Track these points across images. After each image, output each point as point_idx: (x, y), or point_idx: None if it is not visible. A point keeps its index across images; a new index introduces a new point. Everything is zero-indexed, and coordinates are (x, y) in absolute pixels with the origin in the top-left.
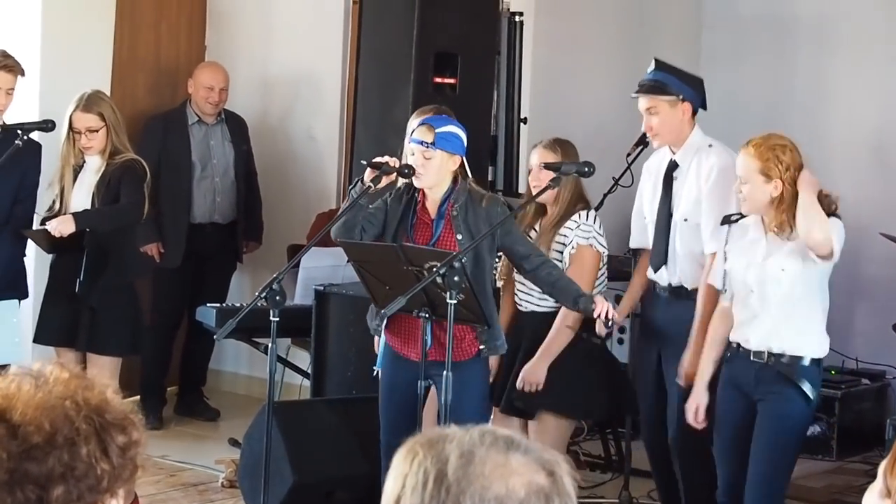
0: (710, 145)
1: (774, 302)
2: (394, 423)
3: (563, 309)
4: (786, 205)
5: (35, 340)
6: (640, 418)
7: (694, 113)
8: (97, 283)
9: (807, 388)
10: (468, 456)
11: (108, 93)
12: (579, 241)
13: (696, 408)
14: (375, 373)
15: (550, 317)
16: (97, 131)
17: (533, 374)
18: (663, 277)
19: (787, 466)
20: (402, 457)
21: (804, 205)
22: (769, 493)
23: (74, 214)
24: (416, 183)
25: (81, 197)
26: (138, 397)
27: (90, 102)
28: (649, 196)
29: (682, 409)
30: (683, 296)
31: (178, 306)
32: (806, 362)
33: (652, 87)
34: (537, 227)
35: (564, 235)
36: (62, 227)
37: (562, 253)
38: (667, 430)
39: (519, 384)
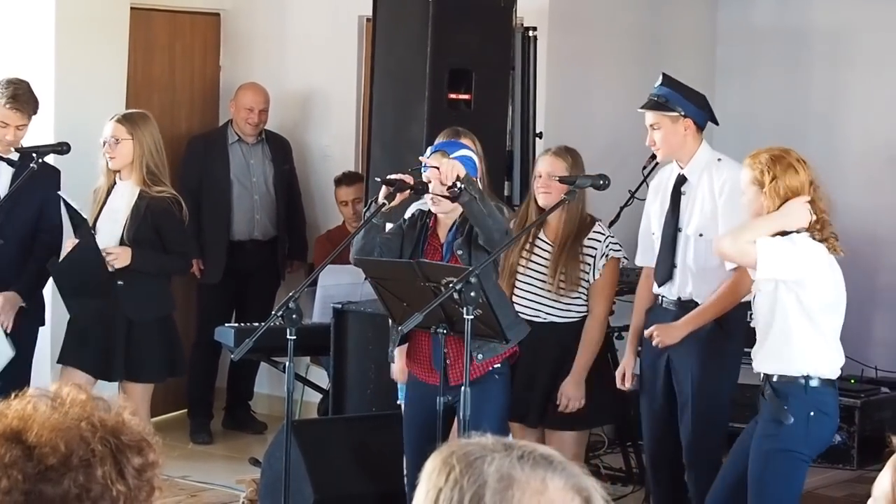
0: (719, 160)
1: (758, 320)
2: (420, 447)
3: (587, 323)
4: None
5: (60, 361)
6: (644, 430)
7: (701, 128)
8: (130, 319)
9: (782, 407)
10: (507, 480)
11: None
12: (613, 252)
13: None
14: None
15: (574, 327)
16: (119, 141)
17: (574, 391)
18: (671, 292)
19: (778, 487)
20: (436, 468)
21: (753, 220)
22: None
23: (133, 252)
24: (433, 209)
25: (108, 221)
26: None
27: (125, 115)
28: (657, 212)
29: (695, 422)
30: (692, 310)
31: (221, 323)
32: (802, 381)
33: (655, 104)
34: (546, 238)
35: (591, 247)
36: (119, 260)
37: (590, 265)
38: (669, 442)
39: (563, 406)
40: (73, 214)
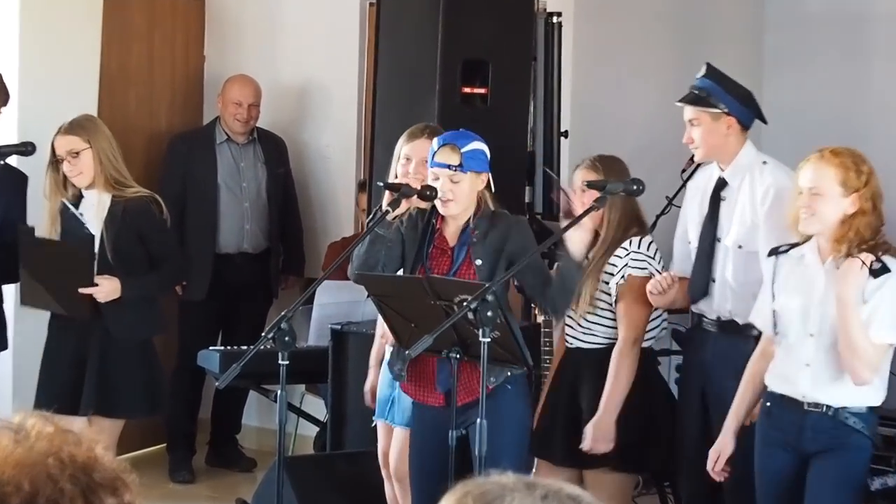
0: (764, 162)
1: (834, 350)
2: (428, 482)
3: (614, 352)
4: (857, 225)
5: (36, 406)
6: (683, 467)
7: (746, 128)
8: (104, 341)
9: (870, 433)
10: None
11: (95, 110)
12: (631, 270)
13: (717, 456)
14: (374, 424)
15: (594, 354)
16: (79, 154)
17: (602, 433)
18: (711, 310)
19: None
20: None
21: (852, 337)
22: None
23: (122, 283)
24: (443, 211)
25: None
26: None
27: (72, 125)
28: (695, 218)
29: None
30: (733, 331)
31: (205, 346)
32: (863, 409)
33: (696, 98)
34: (590, 257)
35: (613, 265)
36: (102, 293)
37: (608, 284)
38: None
39: (586, 446)
40: (77, 227)
